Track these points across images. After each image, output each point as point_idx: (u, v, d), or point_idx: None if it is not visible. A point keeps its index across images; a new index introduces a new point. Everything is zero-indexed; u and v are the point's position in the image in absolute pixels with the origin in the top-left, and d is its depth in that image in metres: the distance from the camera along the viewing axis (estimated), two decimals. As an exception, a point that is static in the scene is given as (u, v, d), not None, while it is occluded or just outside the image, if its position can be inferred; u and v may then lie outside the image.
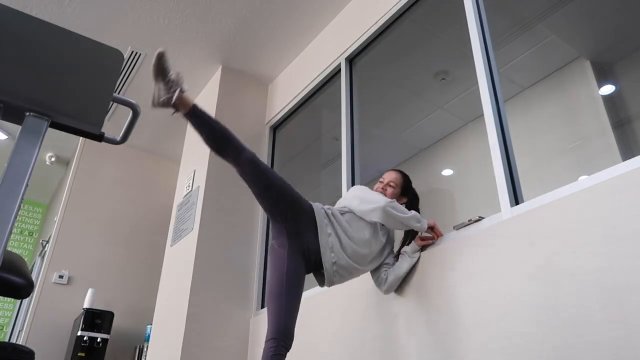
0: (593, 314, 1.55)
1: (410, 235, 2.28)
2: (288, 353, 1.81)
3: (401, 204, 2.25)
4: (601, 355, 1.49)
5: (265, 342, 1.80)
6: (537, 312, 1.70)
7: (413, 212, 2.14)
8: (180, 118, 1.96)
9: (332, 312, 2.64)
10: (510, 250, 1.87)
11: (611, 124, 2.90)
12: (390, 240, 2.27)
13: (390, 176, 2.34)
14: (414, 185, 2.42)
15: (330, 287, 2.66)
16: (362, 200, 2.14)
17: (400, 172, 2.39)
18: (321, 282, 2.10)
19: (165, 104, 1.87)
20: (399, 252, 2.26)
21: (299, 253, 1.96)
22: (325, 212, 2.06)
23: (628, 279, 1.50)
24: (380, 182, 2.35)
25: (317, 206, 2.06)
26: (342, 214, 2.11)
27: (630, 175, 1.59)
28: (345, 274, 2.07)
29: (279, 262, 1.93)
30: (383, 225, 2.17)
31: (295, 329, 1.88)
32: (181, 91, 1.87)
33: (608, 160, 2.82)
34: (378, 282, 2.24)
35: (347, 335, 2.49)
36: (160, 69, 1.86)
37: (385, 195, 2.25)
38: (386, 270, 2.22)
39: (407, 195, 2.36)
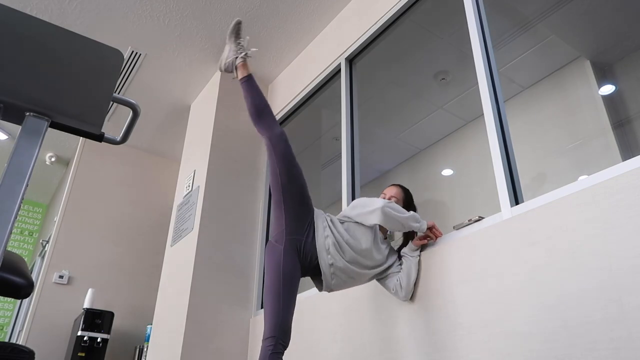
0: (593, 314, 1.55)
1: (410, 237, 2.28)
2: (286, 352, 1.81)
3: None
4: (601, 356, 1.49)
5: (263, 340, 1.80)
6: (537, 312, 1.71)
7: (411, 212, 2.16)
8: (236, 81, 2.21)
9: (332, 312, 2.64)
10: (510, 250, 1.87)
11: (611, 124, 2.90)
12: (393, 248, 2.27)
13: (391, 191, 2.34)
14: (414, 184, 2.42)
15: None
16: (362, 206, 2.14)
17: (401, 186, 2.38)
18: (319, 286, 2.09)
19: (229, 67, 2.20)
20: (399, 251, 2.27)
21: (294, 249, 1.96)
22: (325, 217, 2.07)
23: (628, 279, 1.50)
24: (382, 195, 2.36)
25: (318, 210, 2.07)
26: (341, 222, 2.11)
27: (630, 175, 1.59)
28: (344, 277, 2.04)
29: (276, 259, 1.93)
30: (385, 236, 2.18)
31: (295, 329, 1.88)
32: (246, 56, 2.17)
33: (608, 160, 2.82)
34: (395, 291, 2.19)
35: (346, 336, 2.49)
36: (236, 33, 2.24)
37: None
38: (399, 278, 2.19)
39: (410, 209, 2.31)
